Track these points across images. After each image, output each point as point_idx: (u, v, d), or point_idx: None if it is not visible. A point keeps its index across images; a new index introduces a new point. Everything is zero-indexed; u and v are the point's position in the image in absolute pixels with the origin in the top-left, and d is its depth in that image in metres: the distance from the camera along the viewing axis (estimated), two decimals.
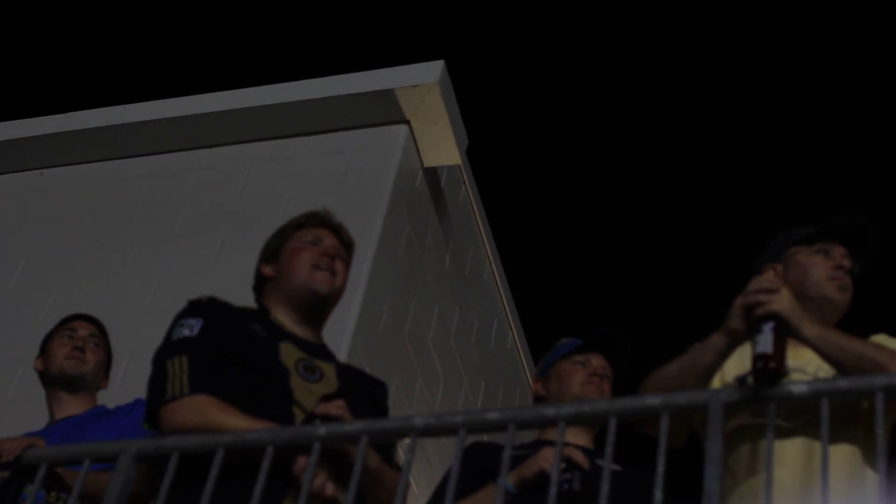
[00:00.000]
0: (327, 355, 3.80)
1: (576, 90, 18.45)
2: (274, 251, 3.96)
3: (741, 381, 3.22)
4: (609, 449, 3.06)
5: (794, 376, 3.38)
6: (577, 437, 4.14)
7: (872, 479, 3.41)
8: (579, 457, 3.85)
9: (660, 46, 17.71)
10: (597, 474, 3.64)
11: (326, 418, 3.35)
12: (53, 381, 4.86)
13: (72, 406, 4.80)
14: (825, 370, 3.49)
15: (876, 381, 3.04)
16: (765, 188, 17.91)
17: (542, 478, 3.81)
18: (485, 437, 6.47)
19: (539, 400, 4.41)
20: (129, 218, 7.43)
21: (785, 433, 3.38)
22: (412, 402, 6.94)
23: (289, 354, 3.64)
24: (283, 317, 3.81)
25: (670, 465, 3.01)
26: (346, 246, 4.00)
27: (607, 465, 3.01)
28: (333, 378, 3.67)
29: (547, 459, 3.86)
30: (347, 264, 3.98)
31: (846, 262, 3.78)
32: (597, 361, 4.36)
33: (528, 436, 4.21)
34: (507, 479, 3.89)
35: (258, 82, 7.73)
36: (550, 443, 3.99)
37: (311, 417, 3.38)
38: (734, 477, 3.47)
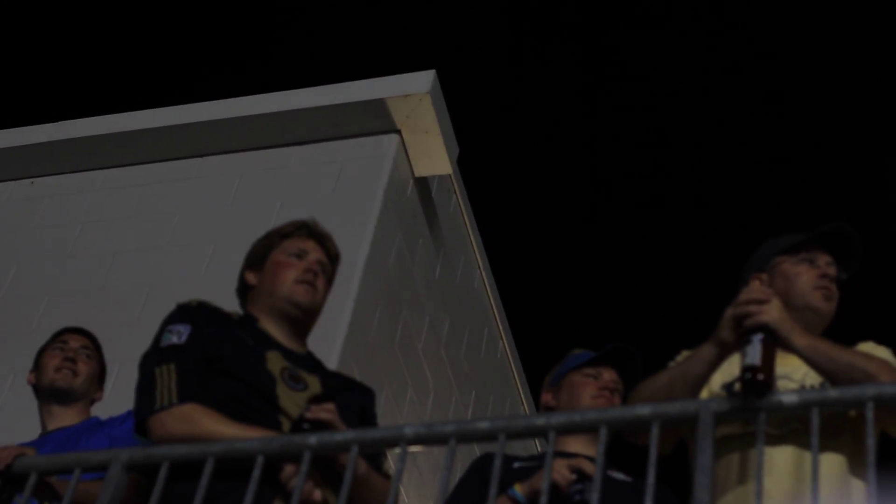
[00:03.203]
0: (312, 365, 3.80)
1: (567, 100, 18.48)
2: (259, 259, 3.97)
3: (728, 387, 3.23)
4: (600, 459, 3.07)
5: (781, 383, 3.39)
6: (588, 448, 4.14)
7: (858, 487, 3.42)
8: (590, 467, 3.86)
9: (652, 57, 17.74)
10: (607, 485, 3.65)
11: (316, 423, 3.36)
12: (45, 394, 4.85)
13: (64, 418, 4.79)
14: (812, 377, 3.50)
15: (866, 390, 3.05)
16: (756, 198, 17.94)
17: (554, 489, 3.82)
18: (475, 447, 6.48)
19: (549, 411, 4.40)
20: (120, 227, 7.43)
21: (773, 440, 3.39)
22: (402, 411, 6.95)
23: (275, 363, 3.65)
24: (270, 326, 3.82)
25: (659, 473, 3.02)
26: (332, 258, 4.01)
27: (597, 475, 3.02)
28: (318, 389, 3.68)
29: (558, 471, 3.87)
30: (331, 279, 3.99)
31: (831, 271, 3.78)
32: (608, 375, 4.35)
33: (527, 446, 4.20)
34: (519, 490, 3.92)
35: (249, 92, 7.74)
36: (563, 454, 4.01)
37: (300, 421, 3.39)
38: (721, 485, 3.48)
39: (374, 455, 3.63)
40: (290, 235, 3.98)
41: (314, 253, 3.94)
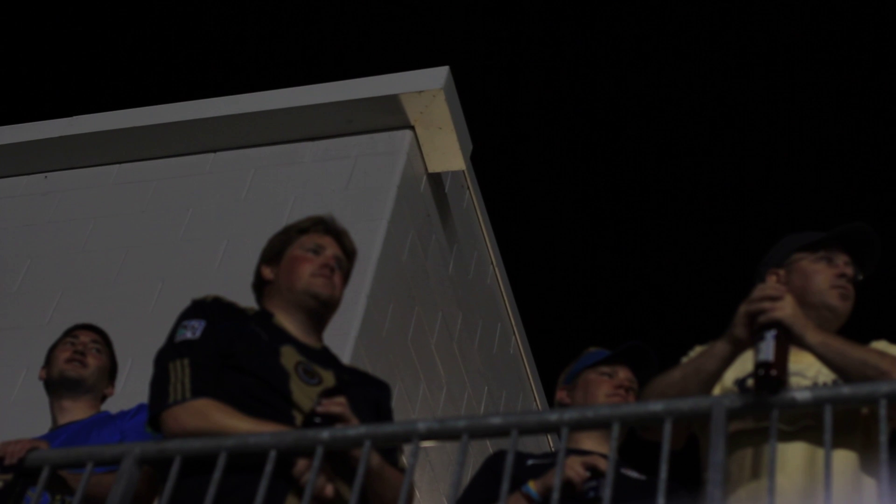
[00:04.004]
0: (327, 361, 3.80)
1: (580, 95, 18.46)
2: (276, 254, 3.96)
3: (741, 384, 3.23)
4: (612, 455, 3.07)
5: (794, 380, 3.39)
6: (601, 446, 4.15)
7: (870, 483, 3.42)
8: (604, 465, 3.86)
9: (664, 50, 17.71)
10: (621, 483, 3.66)
11: (327, 416, 3.36)
12: (55, 387, 4.86)
13: (75, 412, 4.79)
14: (825, 374, 3.50)
15: (879, 388, 3.05)
16: (771, 196, 17.91)
17: (567, 486, 3.83)
18: (488, 443, 6.48)
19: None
20: (133, 222, 7.44)
21: (785, 437, 3.39)
22: (415, 406, 6.95)
23: (289, 357, 3.65)
24: (286, 321, 3.82)
25: (671, 470, 3.02)
26: (348, 254, 4.00)
27: (610, 470, 3.02)
28: (332, 384, 3.67)
29: (572, 468, 3.87)
30: (347, 274, 3.99)
31: (849, 271, 3.78)
32: (623, 374, 4.35)
33: (540, 443, 4.19)
34: (533, 487, 3.93)
35: (263, 87, 7.75)
36: (577, 452, 4.02)
37: (311, 415, 3.39)
38: (733, 481, 3.47)
39: (389, 449, 3.63)
40: (307, 231, 3.98)
41: (331, 249, 3.94)
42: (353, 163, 7.27)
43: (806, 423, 3.41)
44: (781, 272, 3.79)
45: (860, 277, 3.84)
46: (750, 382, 3.10)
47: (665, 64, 17.73)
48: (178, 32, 17.35)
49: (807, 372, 3.54)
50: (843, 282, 3.76)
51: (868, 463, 3.43)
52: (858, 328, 3.68)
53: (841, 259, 3.79)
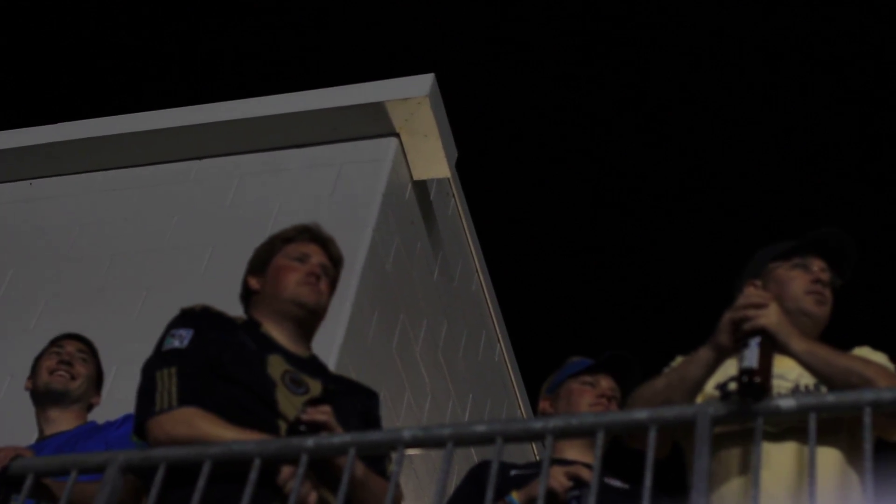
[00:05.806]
0: (315, 370, 3.80)
1: (565, 103, 18.48)
2: (261, 264, 3.96)
3: (722, 388, 3.23)
4: (597, 463, 3.07)
5: (776, 383, 3.39)
6: (585, 456, 4.14)
7: (857, 481, 3.42)
8: (587, 474, 3.86)
9: (651, 61, 17.74)
10: (605, 492, 3.65)
11: (312, 424, 3.35)
12: (41, 397, 4.84)
13: (61, 422, 4.77)
14: (807, 377, 3.51)
15: (864, 396, 3.05)
16: (754, 204, 17.94)
17: (551, 496, 3.83)
18: (473, 451, 6.48)
19: None
20: (118, 229, 7.43)
21: (771, 437, 3.39)
22: (400, 414, 6.95)
23: (276, 367, 3.65)
24: (273, 330, 3.81)
25: (655, 478, 3.02)
26: (335, 262, 4.00)
27: (595, 479, 3.02)
28: (318, 392, 3.67)
29: (555, 478, 3.87)
30: (334, 282, 3.98)
31: (824, 276, 3.79)
32: (606, 383, 4.35)
33: (524, 452, 4.18)
34: (516, 497, 3.92)
35: (248, 94, 7.74)
36: (560, 461, 4.01)
37: (296, 423, 3.39)
38: (717, 483, 3.47)
39: (378, 457, 3.62)
40: (292, 240, 3.98)
41: (316, 257, 3.93)
42: (338, 170, 7.27)
43: (790, 424, 3.41)
44: (758, 283, 3.80)
45: (839, 283, 3.84)
46: (732, 386, 3.11)
47: (653, 73, 17.76)
48: (163, 40, 17.33)
49: (788, 375, 3.55)
50: (819, 287, 3.77)
51: (855, 461, 3.43)
52: (840, 334, 3.69)
53: (816, 265, 3.80)
